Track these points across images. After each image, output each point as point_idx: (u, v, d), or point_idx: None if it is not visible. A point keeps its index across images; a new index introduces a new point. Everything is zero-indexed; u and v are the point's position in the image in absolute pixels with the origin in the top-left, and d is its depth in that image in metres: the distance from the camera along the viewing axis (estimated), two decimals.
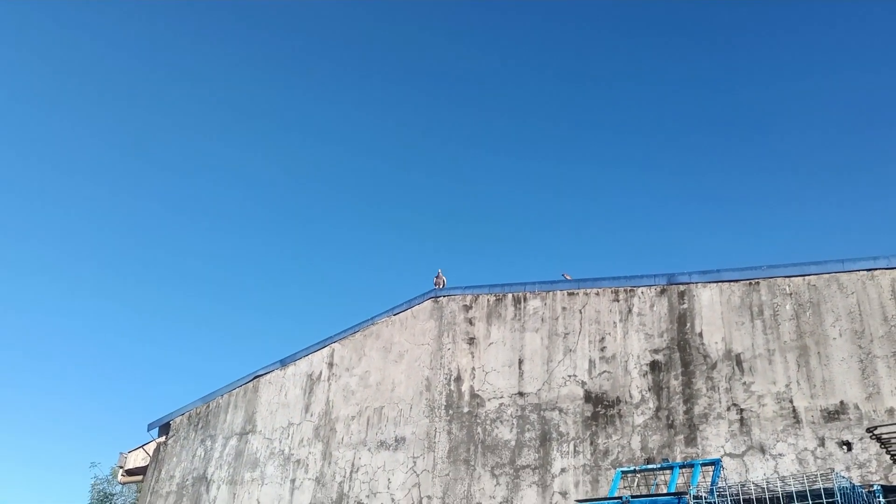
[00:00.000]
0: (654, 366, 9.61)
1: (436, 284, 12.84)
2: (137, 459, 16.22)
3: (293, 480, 12.78)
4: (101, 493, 27.13)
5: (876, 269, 8.45)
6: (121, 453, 16.36)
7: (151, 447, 16.03)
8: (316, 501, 12.25)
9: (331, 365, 13.43)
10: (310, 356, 13.89)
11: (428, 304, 12.56)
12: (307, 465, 12.73)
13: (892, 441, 5.15)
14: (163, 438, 15.88)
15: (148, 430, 16.13)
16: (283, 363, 14.26)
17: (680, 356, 9.45)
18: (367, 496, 11.60)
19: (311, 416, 13.20)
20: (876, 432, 5.09)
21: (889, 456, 5.49)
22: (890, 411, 7.64)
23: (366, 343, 13.10)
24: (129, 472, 16.55)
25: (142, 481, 16.20)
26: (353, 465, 12.07)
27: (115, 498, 27.36)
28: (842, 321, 8.46)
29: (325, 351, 13.67)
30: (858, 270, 8.55)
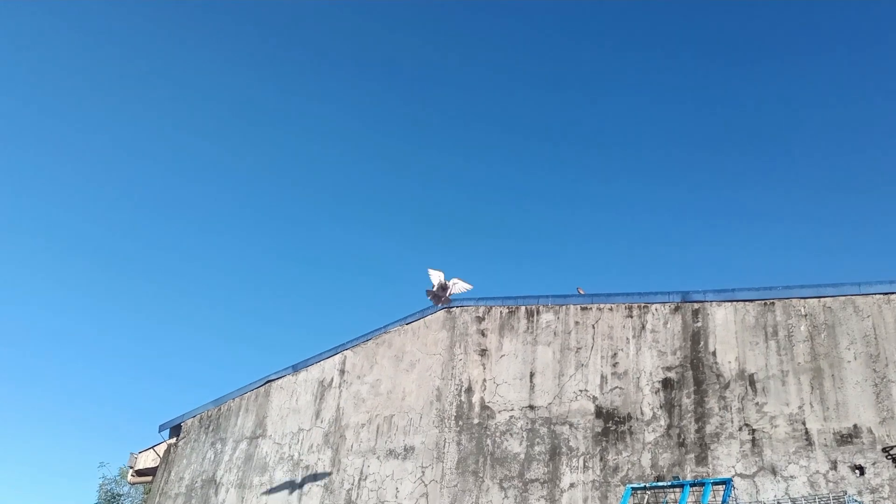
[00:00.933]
0: (667, 383, 9.60)
1: (436, 297, 11.80)
2: (147, 460, 16.31)
3: (301, 486, 12.82)
4: (109, 494, 27.27)
5: (892, 292, 8.41)
6: (131, 453, 16.47)
7: (162, 448, 16.13)
8: None
9: (342, 372, 13.49)
10: (322, 363, 13.95)
11: (441, 314, 12.61)
12: (316, 471, 12.76)
13: None
14: (173, 440, 15.97)
15: (159, 431, 16.23)
16: (296, 369, 14.34)
17: (693, 374, 9.43)
18: None
19: (322, 422, 13.25)
20: (892, 452, 5.09)
21: None
22: None
23: (378, 351, 13.15)
24: (139, 473, 16.64)
25: (151, 482, 16.29)
26: (361, 472, 12.10)
27: (122, 498, 27.50)
28: (857, 344, 8.42)
29: (338, 358, 13.73)
30: (875, 294, 8.52)
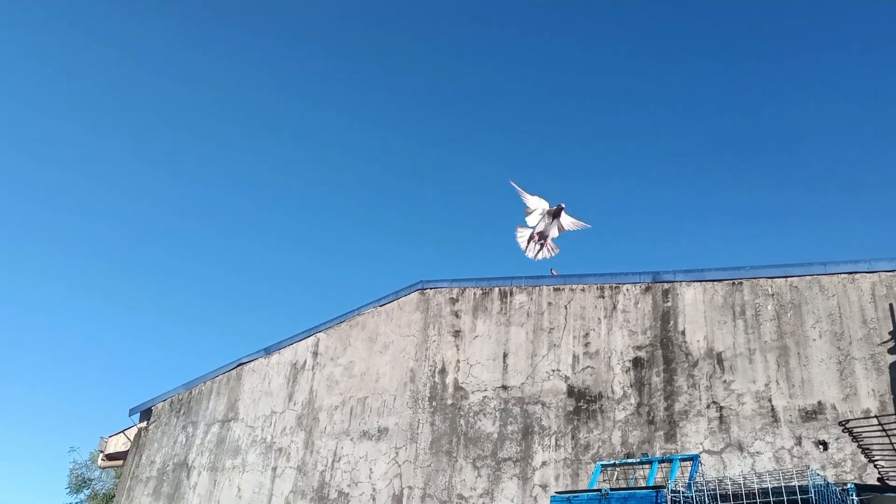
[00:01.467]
0: (637, 362, 9.71)
1: (536, 239, 8.48)
2: (118, 444, 16.16)
3: (275, 468, 12.80)
4: (80, 478, 26.97)
5: (857, 272, 8.58)
6: (102, 438, 16.30)
7: (132, 432, 15.98)
8: (297, 490, 12.28)
9: (315, 354, 13.45)
10: (294, 345, 13.90)
11: (414, 295, 12.60)
12: (289, 453, 12.75)
13: (864, 435, 5.30)
14: (144, 424, 15.83)
15: (130, 416, 16.08)
16: (268, 351, 14.26)
17: (662, 353, 9.56)
18: (349, 485, 11.65)
19: (295, 404, 13.22)
20: (848, 426, 5.24)
21: (860, 450, 5.62)
22: (866, 412, 7.77)
23: (351, 333, 13.12)
24: (110, 457, 16.49)
25: (122, 466, 16.15)
26: (335, 454, 12.11)
27: (93, 483, 27.22)
28: (822, 323, 8.59)
29: (310, 340, 13.68)
30: (840, 273, 8.68)
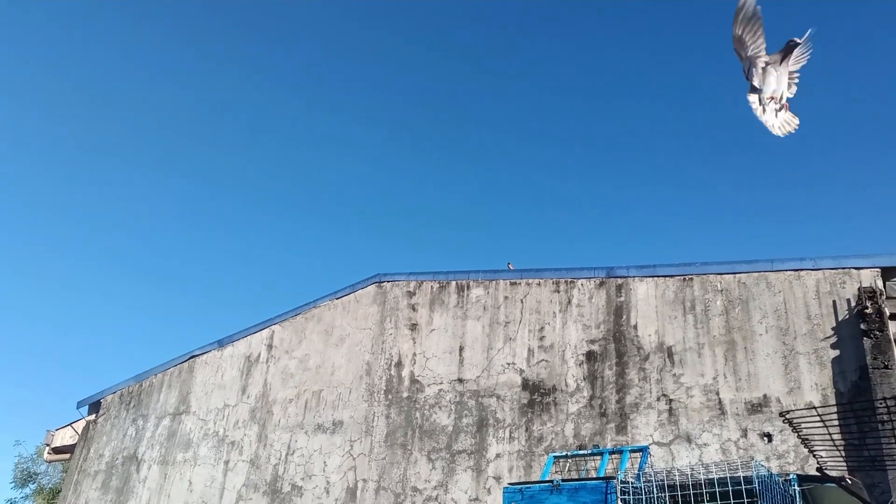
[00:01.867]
0: (590, 356, 9.85)
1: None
2: (65, 437, 15.77)
3: (227, 462, 12.64)
4: (25, 473, 26.22)
5: (802, 269, 8.84)
6: (48, 431, 15.89)
7: (80, 425, 15.60)
8: (249, 483, 12.16)
9: (270, 347, 13.31)
10: (248, 337, 13.72)
11: (371, 288, 12.55)
12: (242, 446, 12.60)
13: (804, 427, 5.49)
14: (93, 417, 15.47)
15: (77, 408, 15.70)
16: (221, 344, 14.06)
17: (615, 347, 9.71)
18: (302, 479, 11.57)
19: (248, 397, 13.06)
20: (788, 416, 5.42)
21: (801, 441, 5.82)
22: (809, 405, 8.02)
23: (307, 326, 13.02)
24: (57, 451, 16.09)
25: (69, 460, 15.76)
26: (289, 447, 12.01)
27: (39, 477, 26.49)
28: (768, 318, 8.83)
29: (265, 332, 13.52)
30: (786, 270, 8.93)
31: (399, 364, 11.53)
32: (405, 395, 11.21)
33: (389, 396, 11.35)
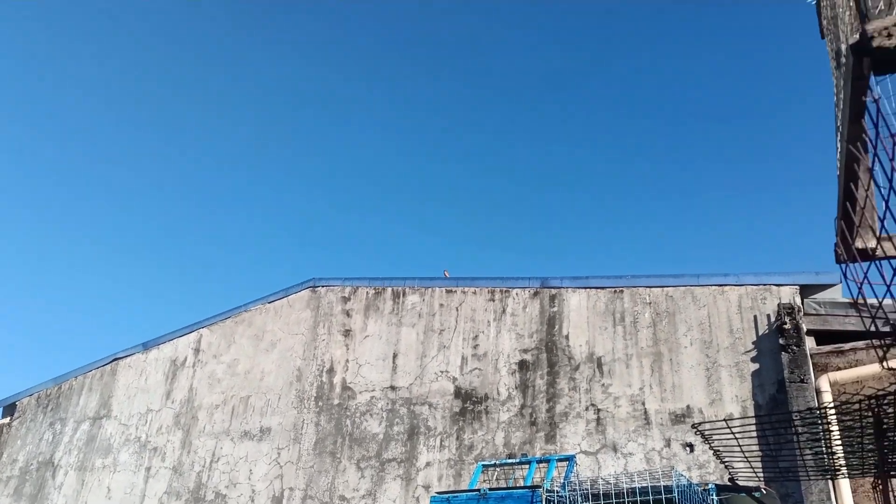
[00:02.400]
0: (523, 365, 9.94)
1: None
2: None
3: (148, 468, 12.21)
4: None
5: (726, 284, 9.14)
6: None
7: None
8: (171, 491, 11.77)
9: (197, 351, 12.95)
10: (175, 341, 13.33)
11: (305, 293, 12.37)
12: (164, 453, 12.20)
13: (713, 437, 5.67)
14: (7, 419, 14.74)
15: None
16: (146, 346, 13.60)
17: (547, 357, 9.82)
18: (227, 487, 11.27)
19: (173, 402, 12.67)
20: (699, 428, 5.59)
21: (713, 452, 6.01)
22: (729, 416, 8.28)
23: (236, 330, 12.72)
24: None
25: None
26: (213, 454, 11.69)
27: None
28: (693, 331, 9.08)
29: (192, 336, 13.16)
30: (711, 285, 9.22)
31: (331, 370, 11.38)
32: (336, 402, 11.07)
33: (320, 403, 11.18)
